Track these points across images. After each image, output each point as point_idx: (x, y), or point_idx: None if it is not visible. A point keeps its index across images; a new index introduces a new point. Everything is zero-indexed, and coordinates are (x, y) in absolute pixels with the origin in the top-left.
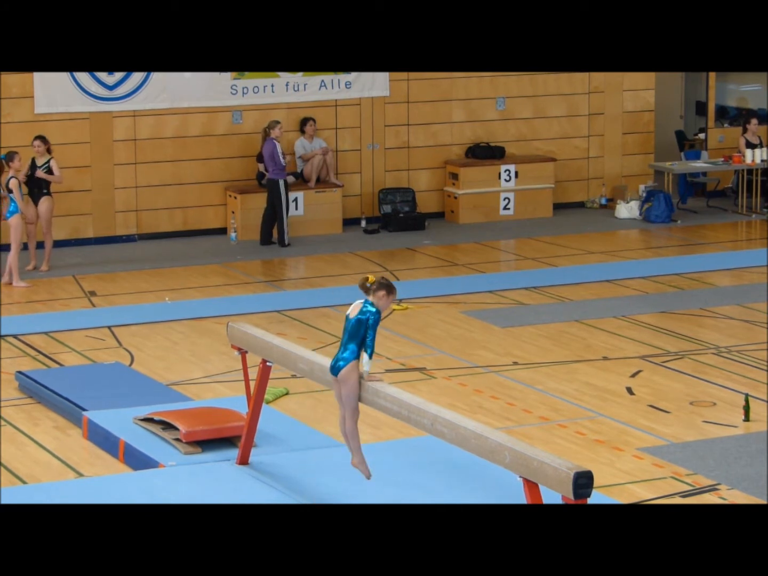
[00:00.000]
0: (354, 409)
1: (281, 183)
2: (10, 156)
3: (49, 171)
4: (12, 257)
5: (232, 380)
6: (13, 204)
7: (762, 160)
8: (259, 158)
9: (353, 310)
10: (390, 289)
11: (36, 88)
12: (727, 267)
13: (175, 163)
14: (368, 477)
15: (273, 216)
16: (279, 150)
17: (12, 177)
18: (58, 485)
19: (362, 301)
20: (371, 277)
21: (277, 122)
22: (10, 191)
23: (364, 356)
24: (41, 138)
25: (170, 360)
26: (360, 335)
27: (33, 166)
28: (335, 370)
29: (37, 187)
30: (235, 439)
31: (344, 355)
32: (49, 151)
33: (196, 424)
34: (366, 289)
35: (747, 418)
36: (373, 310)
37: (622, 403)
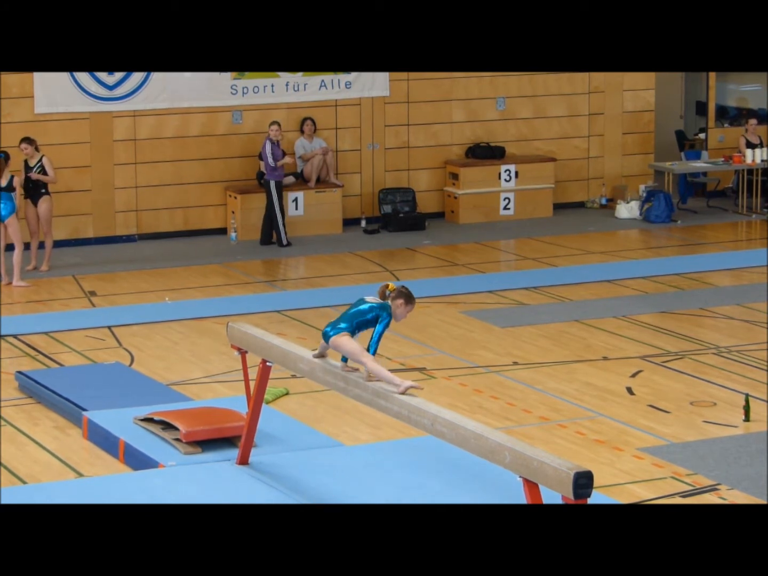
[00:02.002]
0: (364, 362)
1: (272, 184)
2: (7, 155)
3: (43, 170)
4: (16, 256)
5: (232, 380)
6: (11, 203)
7: (762, 160)
8: (261, 157)
9: (371, 298)
10: (409, 299)
11: (36, 88)
12: (727, 267)
13: (175, 163)
14: (421, 388)
15: (270, 216)
16: (268, 150)
17: (14, 175)
18: (58, 485)
19: (380, 300)
20: (391, 285)
21: (275, 122)
22: (13, 189)
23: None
24: (27, 140)
25: (170, 360)
26: (362, 321)
27: (26, 168)
28: (326, 336)
29: (35, 187)
30: (235, 439)
31: (339, 326)
32: (37, 149)
33: (196, 424)
34: (385, 296)
35: (747, 418)
36: (388, 315)
37: (622, 403)
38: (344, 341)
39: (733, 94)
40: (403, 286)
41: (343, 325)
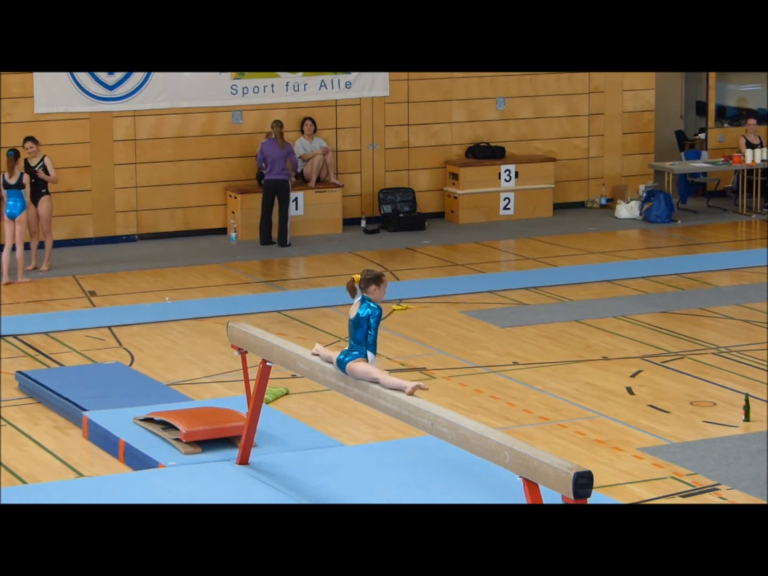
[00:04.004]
0: (378, 378)
1: (289, 183)
2: (18, 152)
3: (45, 169)
4: (19, 254)
5: (232, 380)
6: (22, 200)
7: (762, 160)
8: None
9: (353, 310)
10: (377, 280)
11: (36, 88)
12: (727, 267)
13: (175, 163)
14: (426, 388)
15: (270, 216)
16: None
17: (23, 173)
18: (58, 485)
19: (359, 299)
20: (356, 276)
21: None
22: (23, 186)
23: (369, 355)
24: (32, 139)
25: (170, 360)
26: (363, 332)
27: (27, 168)
28: (342, 365)
29: (36, 187)
30: (235, 439)
31: (352, 353)
32: (38, 149)
33: (196, 424)
34: (355, 290)
35: (747, 418)
36: (374, 306)
37: (622, 403)
38: (355, 367)
39: (733, 94)
40: (365, 272)
41: (355, 352)
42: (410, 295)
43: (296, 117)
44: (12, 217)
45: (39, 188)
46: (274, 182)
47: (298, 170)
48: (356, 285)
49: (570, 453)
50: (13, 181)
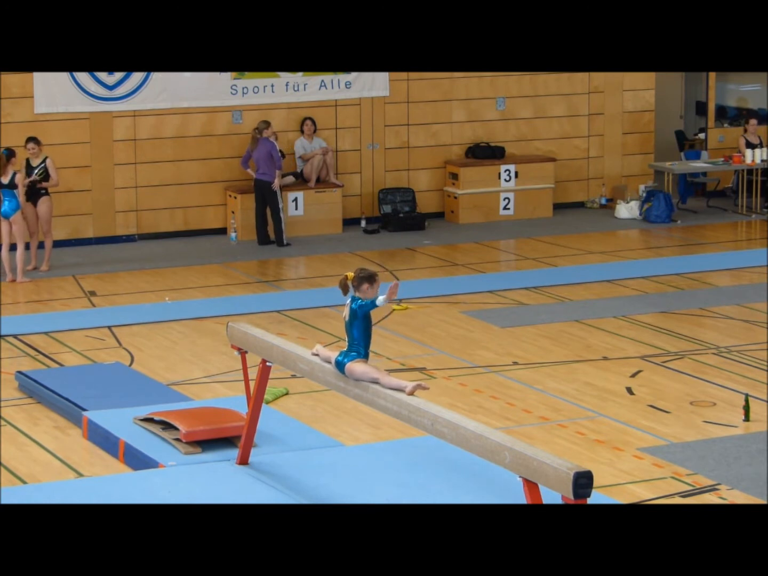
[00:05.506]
0: (377, 377)
1: (271, 183)
2: (11, 152)
3: (46, 171)
4: (20, 254)
5: (232, 380)
6: (15, 200)
7: (762, 160)
8: (246, 160)
9: (345, 311)
10: (371, 279)
11: (36, 88)
12: (727, 267)
13: (175, 163)
14: (426, 388)
15: (264, 215)
16: (278, 149)
17: (16, 172)
18: (58, 485)
19: (349, 300)
20: (350, 274)
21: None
22: (15, 186)
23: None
24: (34, 140)
25: (170, 360)
26: (359, 324)
27: (29, 168)
28: (341, 366)
29: (35, 187)
30: (235, 439)
31: (350, 354)
32: (40, 150)
33: (196, 424)
34: (347, 287)
35: (747, 418)
36: (361, 301)
37: (622, 403)
38: (354, 367)
39: (733, 94)
40: (359, 270)
41: (353, 353)
42: (410, 295)
43: (296, 117)
44: (6, 217)
45: (39, 189)
46: (259, 182)
47: (298, 170)
48: (349, 283)
49: (570, 453)
50: (5, 180)
